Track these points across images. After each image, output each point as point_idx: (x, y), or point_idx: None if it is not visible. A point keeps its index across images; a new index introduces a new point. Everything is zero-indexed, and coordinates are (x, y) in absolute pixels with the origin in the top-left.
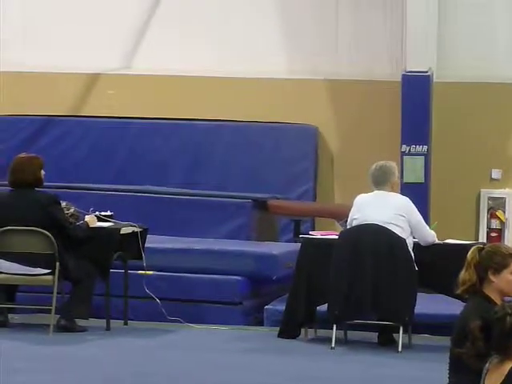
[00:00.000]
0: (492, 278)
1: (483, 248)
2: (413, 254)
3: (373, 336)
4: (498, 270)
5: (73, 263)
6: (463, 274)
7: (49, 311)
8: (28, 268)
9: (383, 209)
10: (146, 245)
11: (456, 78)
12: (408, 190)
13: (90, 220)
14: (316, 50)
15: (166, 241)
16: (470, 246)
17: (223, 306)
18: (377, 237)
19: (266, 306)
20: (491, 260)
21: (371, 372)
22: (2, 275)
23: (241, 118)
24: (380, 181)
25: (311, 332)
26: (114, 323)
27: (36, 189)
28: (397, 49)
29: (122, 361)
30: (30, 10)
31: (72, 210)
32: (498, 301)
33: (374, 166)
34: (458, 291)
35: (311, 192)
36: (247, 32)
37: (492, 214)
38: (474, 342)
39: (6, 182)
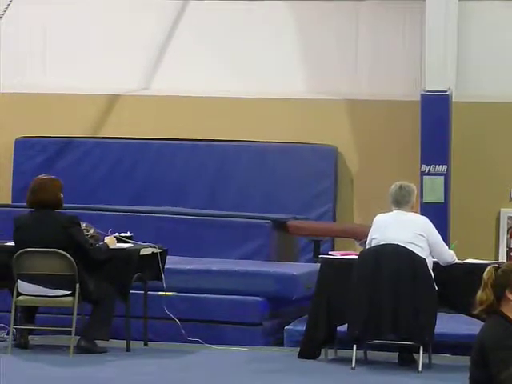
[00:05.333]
0: (510, 296)
1: (499, 267)
2: (433, 274)
3: (393, 356)
4: None
5: (93, 284)
6: (480, 294)
7: (69, 332)
8: (48, 289)
9: (403, 229)
10: (165, 266)
11: (475, 98)
12: (428, 209)
13: (110, 241)
14: (336, 70)
15: (185, 262)
16: (489, 265)
17: (243, 327)
18: (397, 257)
19: (286, 327)
20: (508, 279)
21: None
22: (23, 297)
23: (260, 139)
24: (402, 201)
25: (331, 352)
26: (134, 344)
27: (56, 210)
28: (416, 69)
29: (142, 382)
30: (50, 32)
31: (92, 232)
32: None
33: (394, 186)
34: (476, 311)
35: (331, 212)
36: (267, 53)
37: None
38: None
39: (24, 204)
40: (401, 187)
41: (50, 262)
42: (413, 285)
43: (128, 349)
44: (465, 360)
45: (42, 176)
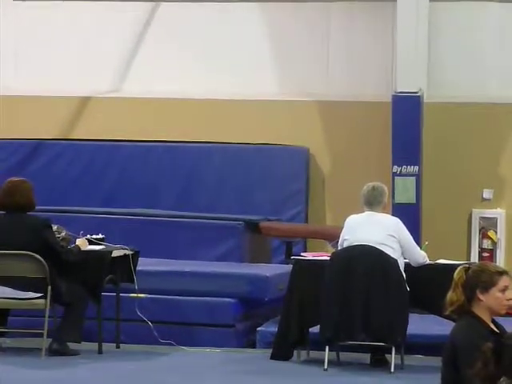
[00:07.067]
0: (480, 296)
1: (470, 267)
2: (404, 275)
3: (365, 357)
4: (486, 288)
5: (64, 287)
6: (451, 295)
7: (41, 335)
8: (20, 292)
9: (374, 230)
10: (137, 268)
11: (446, 99)
12: (399, 210)
13: (82, 243)
14: (307, 71)
15: (157, 263)
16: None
17: (216, 329)
18: (369, 258)
19: (259, 328)
20: (479, 279)
21: None
22: None
23: (232, 140)
24: (374, 202)
25: (304, 354)
26: (106, 346)
27: (28, 212)
28: (387, 70)
29: None
30: (20, 34)
31: (63, 234)
32: (487, 319)
33: (366, 187)
34: (447, 312)
35: (303, 213)
36: (238, 54)
37: (484, 234)
38: (486, 364)
39: None
40: (373, 188)
41: (22, 265)
42: (384, 286)
43: (100, 351)
44: (436, 360)
45: (13, 178)
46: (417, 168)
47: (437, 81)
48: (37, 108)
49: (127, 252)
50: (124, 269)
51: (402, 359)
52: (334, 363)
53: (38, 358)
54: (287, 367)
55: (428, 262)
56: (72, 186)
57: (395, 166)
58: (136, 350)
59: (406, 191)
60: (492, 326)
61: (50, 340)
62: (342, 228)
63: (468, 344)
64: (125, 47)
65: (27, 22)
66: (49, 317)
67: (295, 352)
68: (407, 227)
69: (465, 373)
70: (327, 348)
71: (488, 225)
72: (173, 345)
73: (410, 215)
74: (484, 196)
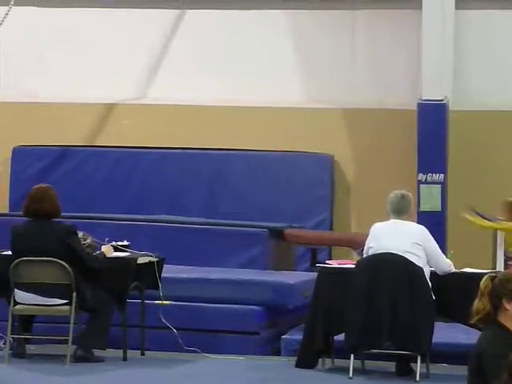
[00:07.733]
0: (506, 305)
1: (496, 276)
2: (430, 283)
3: (390, 365)
4: None
5: (90, 293)
6: (477, 304)
7: (66, 342)
8: (45, 298)
9: (400, 237)
10: (162, 274)
11: (472, 107)
12: (425, 218)
13: (107, 250)
14: (332, 79)
15: (182, 270)
16: (486, 274)
17: (240, 336)
18: (394, 266)
19: (283, 336)
20: (505, 288)
21: None
22: (19, 306)
23: (257, 148)
24: (401, 210)
25: (328, 362)
26: (131, 353)
27: (53, 219)
28: (413, 77)
29: None
30: (45, 41)
31: (89, 241)
32: None
33: (394, 195)
34: (473, 321)
35: (328, 221)
36: (263, 61)
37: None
38: None
39: (20, 213)
40: (402, 196)
41: (47, 271)
42: (410, 294)
43: (125, 358)
44: (462, 369)
45: (39, 185)
46: (442, 176)
47: (463, 88)
48: (63, 115)
49: (152, 259)
50: (149, 276)
51: (427, 368)
52: (359, 371)
53: (62, 365)
54: (312, 375)
55: (454, 270)
56: (97, 192)
57: (420, 174)
58: (161, 357)
59: (431, 199)
60: None
61: (75, 347)
62: (367, 235)
63: (494, 354)
64: (151, 54)
65: (52, 29)
66: (74, 323)
67: (320, 360)
68: (432, 235)
69: (491, 383)
70: (352, 356)
71: None
72: (197, 352)
73: (435, 223)
74: None
